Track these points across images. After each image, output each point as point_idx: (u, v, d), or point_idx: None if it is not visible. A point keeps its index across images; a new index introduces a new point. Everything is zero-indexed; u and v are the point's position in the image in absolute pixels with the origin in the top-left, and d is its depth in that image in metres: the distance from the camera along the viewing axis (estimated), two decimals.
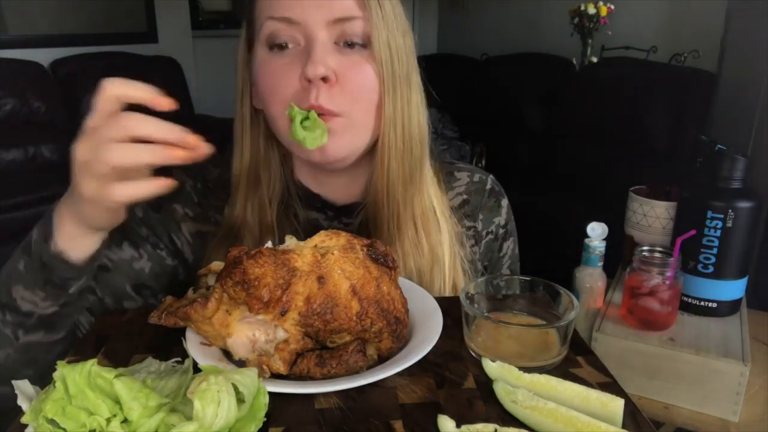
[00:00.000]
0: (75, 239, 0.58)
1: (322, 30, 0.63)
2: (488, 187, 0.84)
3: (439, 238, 0.74)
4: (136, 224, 0.74)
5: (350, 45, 0.65)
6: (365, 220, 0.74)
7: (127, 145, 0.49)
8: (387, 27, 0.65)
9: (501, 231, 0.84)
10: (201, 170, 0.78)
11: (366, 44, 0.65)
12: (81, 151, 0.50)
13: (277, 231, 0.73)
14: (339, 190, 0.76)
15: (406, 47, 0.68)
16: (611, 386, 0.49)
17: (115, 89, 0.50)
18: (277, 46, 0.65)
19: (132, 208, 0.71)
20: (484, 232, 0.83)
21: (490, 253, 0.84)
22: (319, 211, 0.76)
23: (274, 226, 0.73)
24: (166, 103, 0.51)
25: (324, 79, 0.63)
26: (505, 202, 0.85)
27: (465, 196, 0.82)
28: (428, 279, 0.73)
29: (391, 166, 0.69)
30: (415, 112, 0.70)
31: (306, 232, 0.74)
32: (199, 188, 0.77)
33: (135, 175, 0.51)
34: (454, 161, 0.86)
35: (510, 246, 0.86)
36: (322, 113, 0.63)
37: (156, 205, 0.75)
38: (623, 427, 0.44)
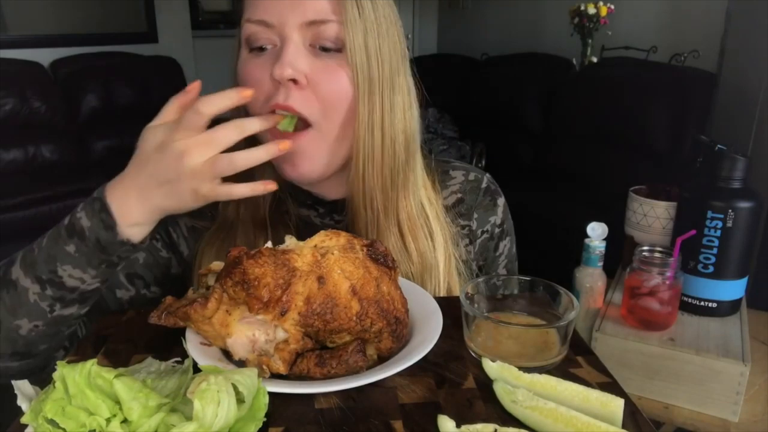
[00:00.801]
0: (142, 225, 0.62)
1: (296, 32, 0.63)
2: (484, 185, 0.83)
3: (431, 244, 0.74)
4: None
5: (325, 49, 0.64)
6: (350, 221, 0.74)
7: (247, 151, 0.59)
8: (365, 29, 0.64)
9: (497, 230, 0.84)
10: None
11: (341, 48, 0.64)
12: (197, 160, 0.56)
13: (270, 228, 0.73)
14: (328, 187, 0.75)
15: (389, 48, 0.66)
16: (611, 386, 0.49)
17: (213, 108, 0.57)
18: (256, 48, 0.65)
19: None
20: (479, 231, 0.82)
21: (486, 253, 0.84)
22: (311, 208, 0.77)
23: (267, 222, 0.73)
24: (249, 93, 0.60)
25: (295, 82, 0.63)
26: (501, 201, 0.84)
27: (459, 195, 0.82)
28: (419, 285, 0.72)
29: (367, 172, 0.68)
30: (399, 114, 0.68)
31: (298, 229, 0.74)
32: None
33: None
34: (450, 160, 0.86)
35: (506, 245, 0.86)
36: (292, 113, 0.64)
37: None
38: (623, 427, 0.44)
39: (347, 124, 0.66)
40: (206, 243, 0.74)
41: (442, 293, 0.74)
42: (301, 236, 0.56)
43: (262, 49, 0.65)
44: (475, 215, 0.82)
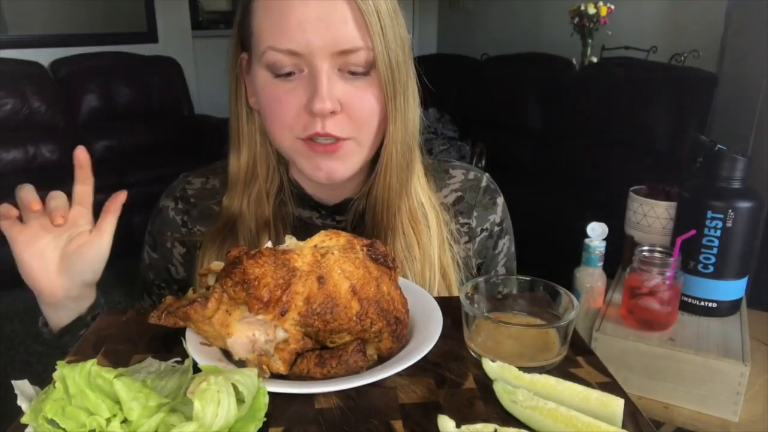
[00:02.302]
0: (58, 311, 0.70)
1: (326, 62, 0.63)
2: (483, 184, 0.84)
3: (429, 232, 0.75)
4: (146, 268, 0.81)
5: (353, 73, 0.65)
6: (356, 218, 0.75)
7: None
8: (389, 49, 0.65)
9: (496, 228, 0.84)
10: (181, 186, 0.81)
11: (369, 71, 0.65)
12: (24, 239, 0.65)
13: (273, 226, 0.74)
14: (333, 193, 0.77)
15: (404, 55, 0.67)
16: (611, 386, 0.49)
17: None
18: (283, 75, 0.65)
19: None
20: (478, 230, 0.83)
21: (485, 251, 0.84)
22: (313, 210, 0.78)
23: (271, 220, 0.74)
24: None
25: (330, 112, 0.64)
26: (500, 200, 0.85)
27: (459, 193, 0.83)
28: (419, 280, 0.73)
29: (392, 182, 0.71)
30: (411, 115, 0.70)
31: (300, 229, 0.75)
32: (181, 207, 0.80)
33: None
34: (450, 160, 0.87)
35: (505, 244, 0.86)
36: (330, 140, 0.65)
37: (153, 243, 0.81)
38: (623, 427, 0.44)
39: (377, 132, 0.69)
40: (209, 240, 0.74)
41: (437, 277, 0.75)
42: (303, 238, 0.56)
43: (288, 73, 0.65)
44: (475, 213, 0.83)
